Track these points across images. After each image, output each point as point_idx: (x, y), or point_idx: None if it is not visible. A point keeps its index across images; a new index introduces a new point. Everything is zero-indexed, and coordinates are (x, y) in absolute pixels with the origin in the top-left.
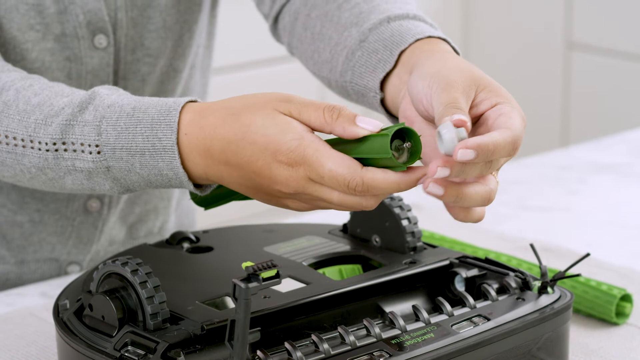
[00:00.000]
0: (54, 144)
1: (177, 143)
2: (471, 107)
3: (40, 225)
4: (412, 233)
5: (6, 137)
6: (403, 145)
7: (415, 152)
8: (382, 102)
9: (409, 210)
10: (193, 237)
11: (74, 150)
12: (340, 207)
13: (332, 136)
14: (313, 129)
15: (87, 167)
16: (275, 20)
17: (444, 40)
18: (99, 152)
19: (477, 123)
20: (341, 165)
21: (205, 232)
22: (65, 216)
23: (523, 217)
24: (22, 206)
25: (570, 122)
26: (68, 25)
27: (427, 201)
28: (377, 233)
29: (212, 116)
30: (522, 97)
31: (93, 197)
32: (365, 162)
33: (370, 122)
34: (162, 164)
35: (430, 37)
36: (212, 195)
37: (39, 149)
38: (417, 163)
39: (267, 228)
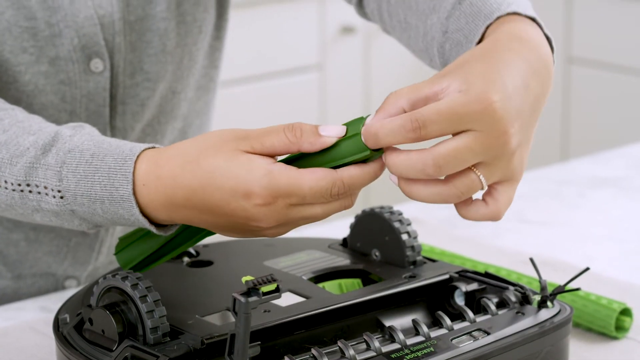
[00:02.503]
0: (19, 184)
1: (134, 193)
2: (440, 99)
3: (35, 243)
4: (412, 247)
5: None
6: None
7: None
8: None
9: (409, 224)
10: (193, 251)
11: (39, 193)
12: (324, 217)
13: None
14: (279, 154)
15: (52, 209)
16: (360, 5)
17: (511, 13)
18: (61, 197)
19: None
20: (318, 179)
21: (205, 246)
22: (61, 235)
23: (523, 231)
24: (17, 224)
25: (570, 136)
26: (62, 48)
27: (427, 215)
28: (377, 247)
29: (168, 165)
30: None
31: None
32: (341, 166)
33: (334, 129)
34: (122, 211)
35: (498, 17)
36: (140, 258)
37: (6, 188)
38: None
39: (267, 242)
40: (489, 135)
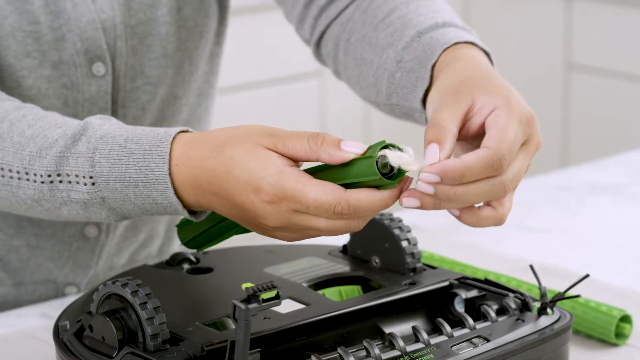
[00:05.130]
0: (49, 175)
1: (170, 173)
2: (471, 117)
3: (37, 249)
4: (412, 254)
5: (1, 169)
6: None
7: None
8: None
9: (409, 231)
10: (193, 258)
11: (69, 182)
12: (329, 232)
13: (320, 166)
14: (299, 159)
15: (83, 198)
16: (317, 46)
17: (471, 42)
18: (93, 184)
19: (482, 132)
20: (324, 192)
21: (205, 253)
22: (62, 241)
23: (523, 238)
24: (19, 230)
25: (570, 143)
26: (65, 52)
27: (427, 222)
28: (376, 254)
29: (199, 148)
30: None
31: (90, 223)
32: (354, 186)
33: (355, 145)
34: (155, 193)
35: (456, 43)
36: (201, 236)
37: (34, 181)
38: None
39: (267, 249)
40: (532, 141)
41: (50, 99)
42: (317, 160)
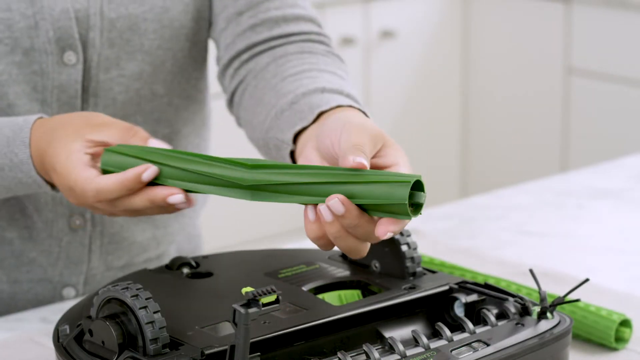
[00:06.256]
0: None
1: (31, 156)
2: (374, 157)
3: (29, 242)
4: (412, 258)
5: None
6: (417, 198)
7: (422, 205)
8: (292, 154)
9: (409, 235)
10: (193, 263)
11: None
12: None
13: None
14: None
15: None
16: (232, 95)
17: (365, 114)
18: None
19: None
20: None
21: (205, 257)
22: (52, 235)
23: (522, 243)
24: (11, 222)
25: (570, 147)
26: (37, 40)
27: (427, 227)
28: (376, 258)
29: (41, 131)
30: (521, 123)
31: (75, 214)
32: (370, 206)
33: (160, 143)
34: (21, 175)
35: (353, 107)
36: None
37: None
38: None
39: (267, 253)
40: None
41: (20, 84)
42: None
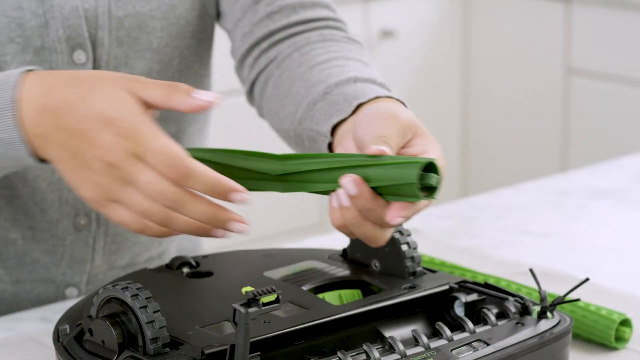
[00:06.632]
0: None
1: (17, 100)
2: (404, 147)
3: (33, 242)
4: (412, 258)
5: None
6: (427, 179)
7: (435, 188)
8: (330, 146)
9: (409, 235)
10: (193, 262)
11: None
12: (147, 195)
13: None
14: (155, 106)
15: None
16: (252, 84)
17: (403, 104)
18: None
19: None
20: (170, 146)
21: (205, 257)
22: (56, 235)
23: (522, 242)
24: (14, 223)
25: (570, 147)
26: (48, 39)
27: (427, 226)
28: (376, 258)
29: (53, 77)
30: (521, 123)
31: (81, 213)
32: (383, 189)
33: (207, 94)
34: (5, 134)
35: (390, 97)
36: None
37: None
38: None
39: (267, 253)
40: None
41: None
42: (170, 108)
